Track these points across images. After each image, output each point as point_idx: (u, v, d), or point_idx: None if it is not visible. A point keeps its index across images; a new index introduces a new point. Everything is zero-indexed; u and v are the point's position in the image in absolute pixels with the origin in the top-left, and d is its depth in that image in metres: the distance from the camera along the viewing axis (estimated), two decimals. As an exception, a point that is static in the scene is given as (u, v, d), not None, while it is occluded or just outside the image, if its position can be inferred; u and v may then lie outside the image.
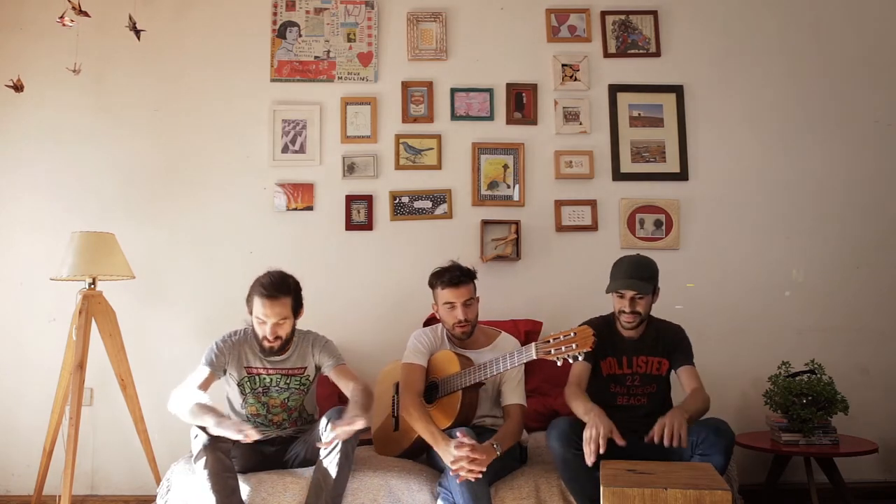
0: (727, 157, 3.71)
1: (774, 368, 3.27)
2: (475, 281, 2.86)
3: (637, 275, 2.66)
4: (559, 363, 2.52)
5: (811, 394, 3.10)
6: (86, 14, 3.34)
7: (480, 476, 2.42)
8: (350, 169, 3.69)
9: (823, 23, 3.78)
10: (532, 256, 3.65)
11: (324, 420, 2.55)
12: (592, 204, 3.68)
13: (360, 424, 2.43)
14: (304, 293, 2.77)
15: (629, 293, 2.66)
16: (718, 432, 2.45)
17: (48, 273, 3.36)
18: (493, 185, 3.70)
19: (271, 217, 3.67)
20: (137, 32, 3.44)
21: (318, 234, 3.66)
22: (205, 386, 2.64)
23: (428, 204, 3.69)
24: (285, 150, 3.70)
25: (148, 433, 3.35)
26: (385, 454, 2.86)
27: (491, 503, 2.50)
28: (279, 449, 2.77)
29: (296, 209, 3.67)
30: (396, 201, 3.68)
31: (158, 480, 3.22)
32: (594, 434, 2.37)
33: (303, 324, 2.81)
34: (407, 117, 3.73)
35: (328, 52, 3.76)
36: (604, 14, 3.79)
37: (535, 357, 2.55)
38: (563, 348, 2.49)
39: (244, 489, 2.52)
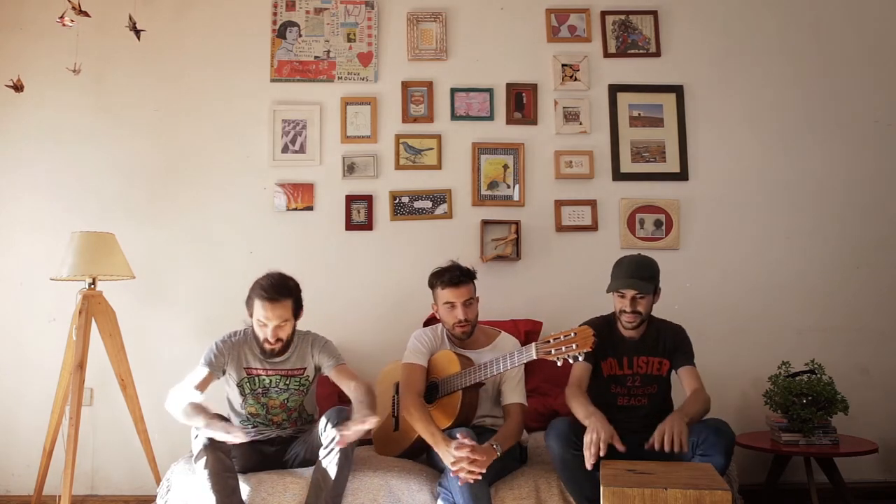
0: (727, 157, 3.72)
1: (774, 368, 3.27)
2: (475, 281, 2.86)
3: (638, 274, 2.66)
4: (559, 363, 2.52)
5: (811, 394, 3.10)
6: (86, 14, 3.34)
7: (480, 478, 2.42)
8: (350, 169, 3.69)
9: (823, 23, 3.78)
10: (532, 256, 3.65)
11: (323, 420, 2.55)
12: (592, 204, 3.68)
13: (372, 422, 2.42)
14: (304, 293, 2.77)
15: (630, 293, 2.65)
16: (719, 433, 2.45)
17: (48, 273, 3.36)
18: (493, 185, 3.70)
19: (271, 217, 3.67)
20: (137, 32, 3.44)
21: (318, 234, 3.66)
22: (202, 386, 2.64)
23: (428, 204, 3.69)
24: (285, 150, 3.70)
25: (148, 433, 3.35)
26: (385, 454, 2.86)
27: (491, 503, 2.50)
28: (279, 449, 2.77)
29: (296, 209, 3.67)
30: (396, 201, 3.68)
31: (158, 480, 3.22)
32: (595, 439, 2.36)
33: (303, 324, 2.81)
34: (407, 117, 3.73)
35: (328, 52, 3.76)
36: (604, 14, 3.79)
37: (535, 357, 2.55)
38: (563, 348, 2.49)
39: (244, 489, 2.52)
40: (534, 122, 3.73)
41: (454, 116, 3.73)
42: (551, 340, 2.53)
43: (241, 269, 3.52)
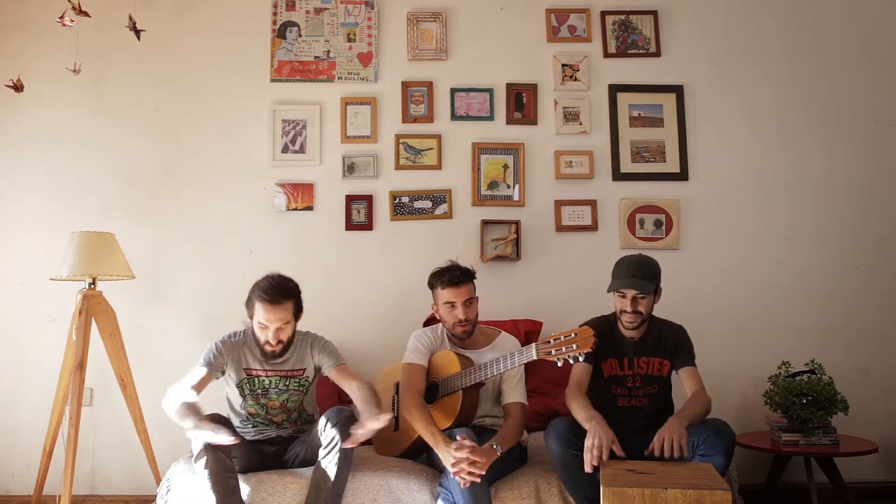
0: (727, 157, 3.72)
1: (774, 368, 3.27)
2: (474, 280, 2.86)
3: (639, 274, 2.65)
4: (559, 364, 2.52)
5: (811, 394, 3.10)
6: (86, 14, 3.34)
7: (479, 480, 2.42)
8: (350, 169, 3.69)
9: (823, 23, 3.78)
10: (532, 256, 3.65)
11: (323, 419, 2.55)
12: (592, 204, 3.68)
13: (385, 420, 2.42)
14: (304, 293, 2.76)
15: (631, 293, 2.64)
16: (719, 433, 2.44)
17: (48, 273, 3.36)
18: (493, 185, 3.70)
19: (271, 217, 3.67)
20: (137, 32, 3.44)
21: (318, 234, 3.66)
22: (199, 386, 2.63)
23: (428, 204, 3.69)
24: (285, 150, 3.70)
25: (148, 433, 3.35)
26: (385, 454, 2.86)
27: (491, 503, 2.50)
28: (279, 449, 2.77)
29: (296, 209, 3.67)
30: (396, 201, 3.68)
31: (158, 480, 3.22)
32: (596, 443, 2.36)
33: (303, 324, 2.80)
34: (407, 117, 3.73)
35: (328, 52, 3.76)
36: (604, 14, 3.79)
37: (535, 357, 2.55)
38: (563, 349, 2.49)
39: (244, 489, 2.52)
40: (534, 122, 3.73)
41: (454, 116, 3.73)
42: (552, 341, 2.53)
43: (241, 269, 3.53)
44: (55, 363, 3.32)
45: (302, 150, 3.70)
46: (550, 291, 3.61)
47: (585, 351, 2.47)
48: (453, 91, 3.74)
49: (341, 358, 2.80)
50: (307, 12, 3.78)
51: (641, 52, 3.77)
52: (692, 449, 2.45)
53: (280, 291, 2.65)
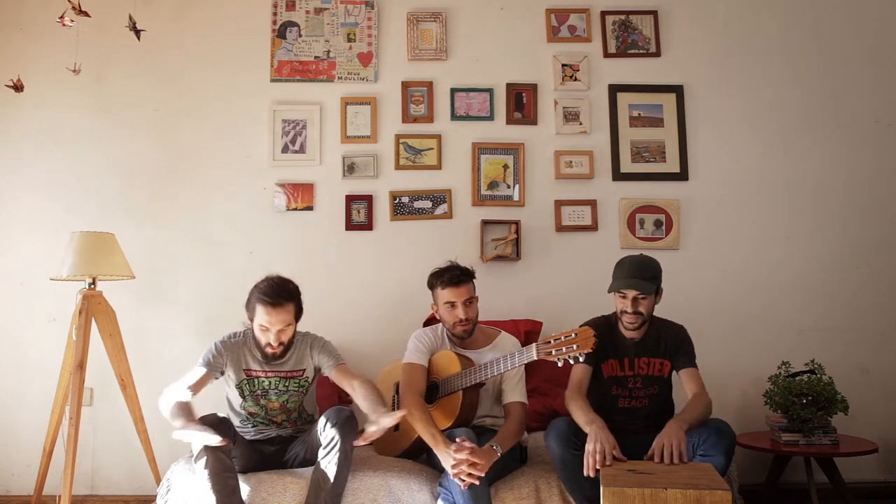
0: (727, 157, 3.72)
1: (774, 368, 3.27)
2: (474, 280, 2.86)
3: (640, 274, 2.64)
4: (560, 364, 2.51)
5: (811, 394, 3.10)
6: (86, 14, 3.34)
7: (478, 482, 2.42)
8: (350, 169, 3.69)
9: (823, 23, 3.78)
10: (532, 256, 3.65)
11: (323, 419, 2.55)
12: (592, 204, 3.68)
13: (399, 416, 2.42)
14: (304, 293, 2.76)
15: (631, 293, 2.63)
16: (720, 433, 2.44)
17: (48, 273, 3.36)
18: (493, 185, 3.70)
19: (271, 217, 3.67)
20: (137, 32, 3.44)
21: (318, 234, 3.66)
22: (197, 386, 2.62)
23: (428, 204, 3.69)
24: (285, 150, 3.70)
25: (148, 433, 3.35)
26: (385, 454, 2.86)
27: (491, 503, 2.50)
28: (279, 449, 2.77)
29: (296, 209, 3.67)
30: (396, 201, 3.68)
31: (158, 480, 3.22)
32: (598, 448, 2.35)
33: (303, 324, 2.80)
34: (407, 117, 3.73)
35: (328, 52, 3.76)
36: (604, 14, 3.79)
37: (535, 358, 2.55)
38: (563, 349, 2.49)
39: (244, 489, 2.52)
40: (534, 122, 3.73)
41: (454, 116, 3.73)
42: (552, 341, 2.52)
43: (241, 269, 3.54)
44: (55, 363, 3.32)
45: (302, 150, 3.70)
46: (550, 291, 3.61)
47: (586, 351, 2.47)
48: (453, 91, 3.74)
49: (341, 358, 2.80)
50: (307, 12, 3.78)
51: (641, 52, 3.77)
52: (693, 449, 2.45)
53: (281, 294, 2.65)
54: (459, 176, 3.70)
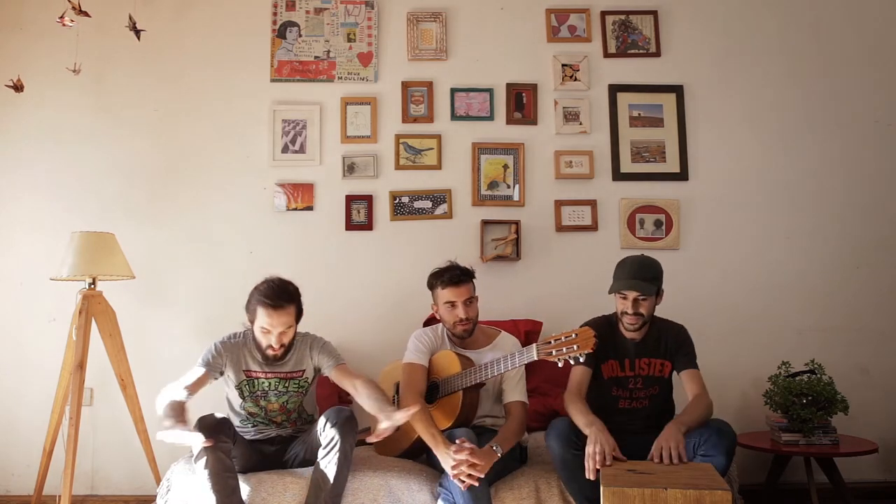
0: (727, 157, 3.72)
1: (774, 368, 3.27)
2: (474, 280, 2.86)
3: (640, 275, 2.64)
4: (560, 364, 2.51)
5: (811, 394, 3.10)
6: (86, 14, 3.34)
7: (478, 483, 2.42)
8: (350, 169, 3.69)
9: (823, 23, 3.78)
10: (532, 256, 3.65)
11: (322, 419, 2.55)
12: (592, 204, 3.68)
13: (411, 413, 2.42)
14: (304, 293, 2.76)
15: (632, 294, 2.63)
16: (721, 433, 2.44)
17: (48, 273, 3.36)
18: (493, 185, 3.70)
19: (271, 217, 3.67)
20: (137, 32, 3.44)
21: (318, 234, 3.66)
22: (195, 386, 2.61)
23: (428, 204, 3.69)
24: (285, 150, 3.70)
25: (148, 433, 3.34)
26: (385, 454, 2.86)
27: (491, 503, 2.50)
28: (279, 449, 2.77)
29: (296, 209, 3.67)
30: (396, 201, 3.68)
31: (158, 480, 3.22)
32: (598, 450, 2.35)
33: (303, 324, 2.80)
34: (407, 117, 3.73)
35: (328, 52, 3.76)
36: (604, 14, 3.79)
37: (535, 358, 2.54)
38: (564, 349, 2.49)
39: (244, 489, 2.52)
40: (534, 122, 3.73)
41: (454, 116, 3.73)
42: (552, 341, 2.52)
43: (241, 269, 3.54)
44: (55, 363, 3.32)
45: (302, 150, 3.70)
46: (550, 291, 3.61)
47: (586, 352, 2.47)
48: (453, 91, 3.74)
49: (341, 358, 2.80)
50: (307, 12, 3.78)
51: (641, 52, 3.77)
52: (693, 449, 2.45)
53: (282, 296, 2.65)
54: (459, 176, 3.70)
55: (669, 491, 2.04)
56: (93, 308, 3.23)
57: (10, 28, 3.74)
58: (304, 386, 2.79)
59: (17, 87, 3.46)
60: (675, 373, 2.73)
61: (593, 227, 3.66)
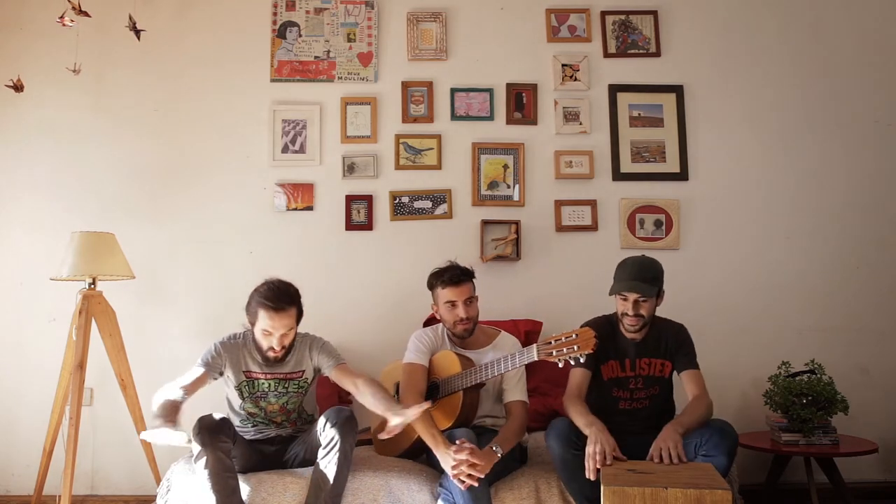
0: (727, 157, 3.72)
1: (774, 368, 3.27)
2: (474, 280, 2.86)
3: (641, 277, 2.63)
4: (560, 364, 2.51)
5: (811, 394, 3.10)
6: (86, 14, 3.35)
7: (478, 483, 2.42)
8: (350, 169, 3.69)
9: (823, 23, 3.78)
10: (532, 256, 3.65)
11: (322, 419, 2.55)
12: (592, 204, 3.68)
13: (422, 408, 2.43)
14: (304, 294, 2.76)
15: (633, 296, 2.62)
16: (723, 434, 2.44)
17: (48, 273, 3.35)
18: (493, 185, 3.70)
19: (271, 217, 3.67)
20: (137, 32, 3.44)
21: (318, 234, 3.66)
22: (193, 386, 2.61)
23: (428, 204, 3.69)
24: (285, 150, 3.70)
25: (148, 433, 3.34)
26: (385, 454, 2.86)
27: (491, 503, 2.50)
28: (279, 449, 2.77)
29: (296, 209, 3.67)
30: (396, 201, 3.68)
31: (158, 480, 3.22)
32: (598, 450, 2.35)
33: (303, 325, 2.80)
34: (407, 117, 3.73)
35: (328, 52, 3.76)
36: (604, 14, 3.79)
37: (536, 358, 2.54)
38: (564, 349, 2.49)
39: (244, 489, 2.52)
40: (534, 122, 3.73)
41: (454, 116, 3.73)
42: (552, 342, 2.52)
43: (241, 269, 3.54)
44: (55, 363, 3.32)
45: (302, 150, 3.70)
46: (550, 291, 3.61)
47: (587, 352, 2.47)
48: (453, 91, 3.74)
49: (341, 358, 2.80)
50: (307, 12, 3.78)
51: (641, 52, 3.77)
52: (695, 449, 2.45)
53: (283, 298, 2.64)
54: (459, 176, 3.70)
55: (670, 490, 2.04)
56: (93, 308, 3.23)
57: (10, 28, 3.74)
58: (304, 386, 2.78)
59: (17, 87, 3.46)
60: (675, 373, 2.73)
61: (593, 227, 3.66)
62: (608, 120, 3.73)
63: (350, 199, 3.67)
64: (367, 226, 3.66)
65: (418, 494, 2.56)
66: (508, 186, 3.70)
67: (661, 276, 2.70)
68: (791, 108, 3.73)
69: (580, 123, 3.72)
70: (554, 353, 2.50)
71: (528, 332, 3.40)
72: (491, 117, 3.73)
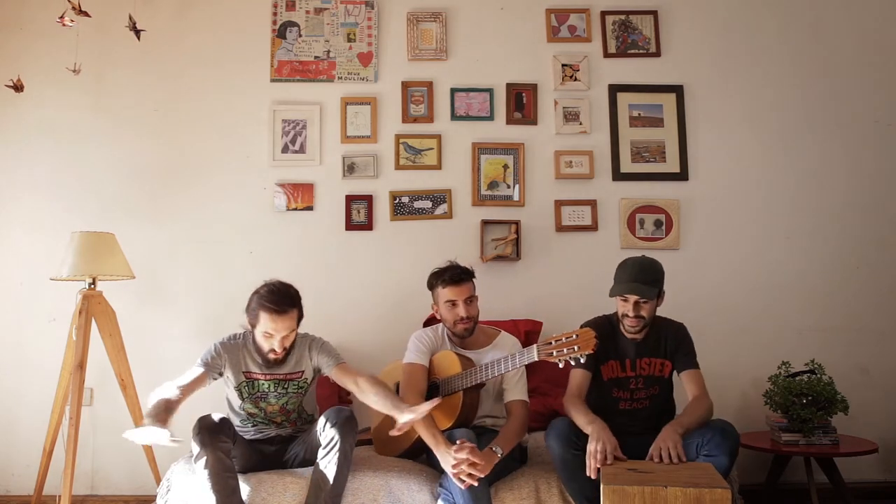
0: (727, 157, 3.72)
1: (774, 368, 3.27)
2: (474, 280, 2.87)
3: (641, 278, 2.62)
4: (561, 365, 2.51)
5: (811, 394, 3.10)
6: (86, 14, 3.35)
7: (478, 483, 2.42)
8: (350, 169, 3.69)
9: (823, 23, 3.78)
10: (532, 256, 3.65)
11: (322, 419, 2.55)
12: (592, 204, 3.68)
13: (433, 403, 2.43)
14: (304, 294, 2.75)
15: (633, 298, 2.62)
16: (724, 434, 2.44)
17: (48, 273, 3.35)
18: (493, 185, 3.70)
19: (271, 217, 3.67)
20: (137, 32, 3.44)
21: (318, 234, 3.66)
22: (190, 386, 2.60)
23: (428, 204, 3.69)
24: (285, 150, 3.70)
25: (148, 433, 3.34)
26: (385, 454, 2.86)
27: (491, 503, 2.50)
28: (279, 449, 2.77)
29: (296, 209, 3.67)
30: (396, 201, 3.68)
31: (158, 480, 3.22)
32: (600, 448, 2.35)
33: (303, 325, 2.79)
34: (407, 117, 3.73)
35: (328, 52, 3.76)
36: (604, 14, 3.79)
37: (536, 359, 2.54)
38: (564, 350, 2.48)
39: (244, 489, 2.52)
40: (534, 122, 3.73)
41: (454, 116, 3.73)
42: (553, 342, 2.52)
43: (241, 269, 3.54)
44: (55, 363, 3.32)
45: (302, 150, 3.70)
46: (550, 291, 3.61)
47: (587, 352, 2.47)
48: (453, 91, 3.74)
49: (341, 357, 2.79)
50: (307, 12, 3.78)
51: (641, 52, 3.77)
52: (696, 449, 2.45)
53: (285, 300, 2.64)
54: (459, 176, 3.70)
55: (669, 489, 2.04)
56: (93, 308, 3.23)
57: (10, 28, 3.74)
58: (304, 387, 2.78)
59: (17, 87, 3.46)
60: (675, 373, 2.73)
61: (593, 227, 3.66)
62: (608, 120, 3.73)
63: (350, 199, 3.67)
64: (367, 226, 3.66)
65: (418, 494, 2.56)
66: (508, 186, 3.70)
67: (662, 276, 2.70)
68: (791, 108, 3.73)
69: (580, 123, 3.72)
70: (554, 353, 2.50)
71: (528, 332, 3.40)
72: (491, 117, 3.73)
